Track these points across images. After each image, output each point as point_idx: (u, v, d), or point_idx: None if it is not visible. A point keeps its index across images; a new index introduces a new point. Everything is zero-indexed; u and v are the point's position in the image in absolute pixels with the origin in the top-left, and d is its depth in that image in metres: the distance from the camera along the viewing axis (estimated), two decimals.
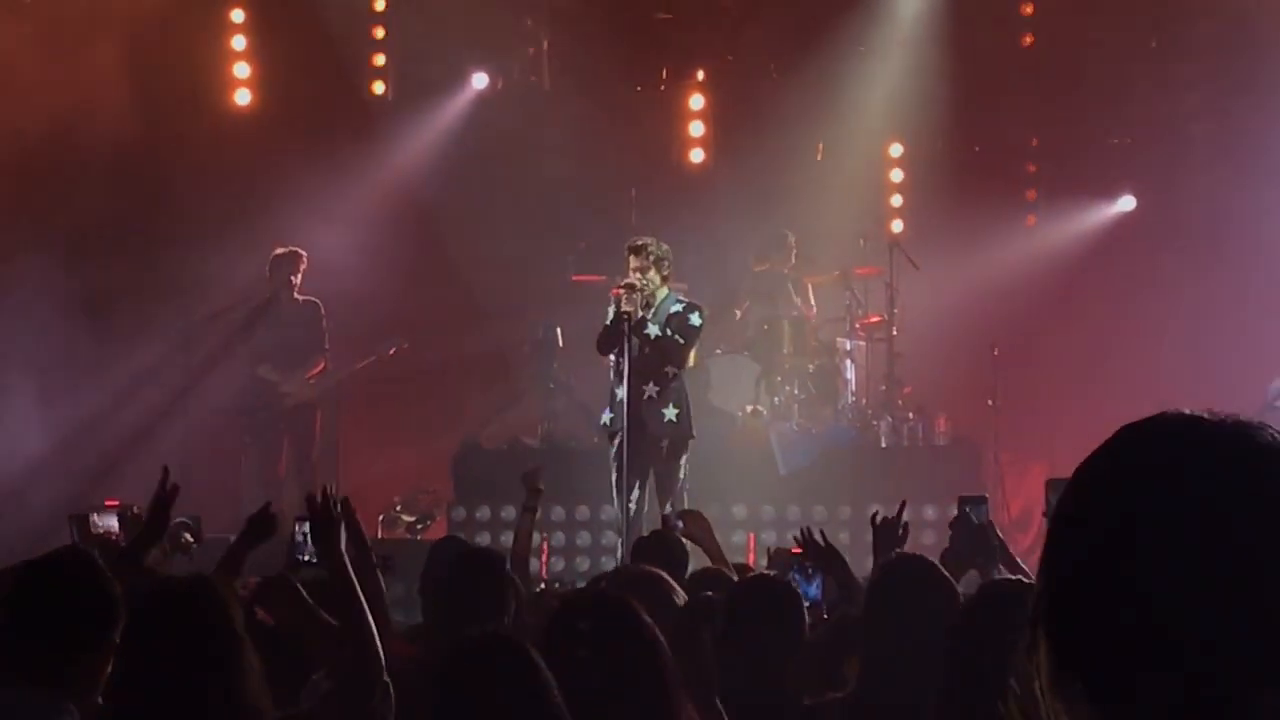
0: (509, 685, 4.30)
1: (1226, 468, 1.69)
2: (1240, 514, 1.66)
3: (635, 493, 12.62)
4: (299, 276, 15.54)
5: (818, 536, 7.27)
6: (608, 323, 12.78)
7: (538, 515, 9.78)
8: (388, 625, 6.60)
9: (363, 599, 4.94)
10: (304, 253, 15.62)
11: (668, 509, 12.00)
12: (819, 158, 18.55)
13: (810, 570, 7.22)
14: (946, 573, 5.62)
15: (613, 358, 12.80)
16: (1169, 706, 1.64)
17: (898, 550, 6.70)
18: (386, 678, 4.90)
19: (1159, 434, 1.74)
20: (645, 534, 9.26)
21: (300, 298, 15.59)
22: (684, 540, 8.45)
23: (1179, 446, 1.72)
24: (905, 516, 7.34)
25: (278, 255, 15.54)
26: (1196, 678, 1.64)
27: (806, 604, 6.82)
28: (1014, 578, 5.36)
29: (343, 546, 5.13)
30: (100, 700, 4.48)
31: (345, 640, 4.88)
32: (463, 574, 7.00)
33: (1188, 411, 1.75)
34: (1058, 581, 1.73)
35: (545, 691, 4.30)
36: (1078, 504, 1.75)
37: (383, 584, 6.62)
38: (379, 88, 18.31)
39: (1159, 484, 1.69)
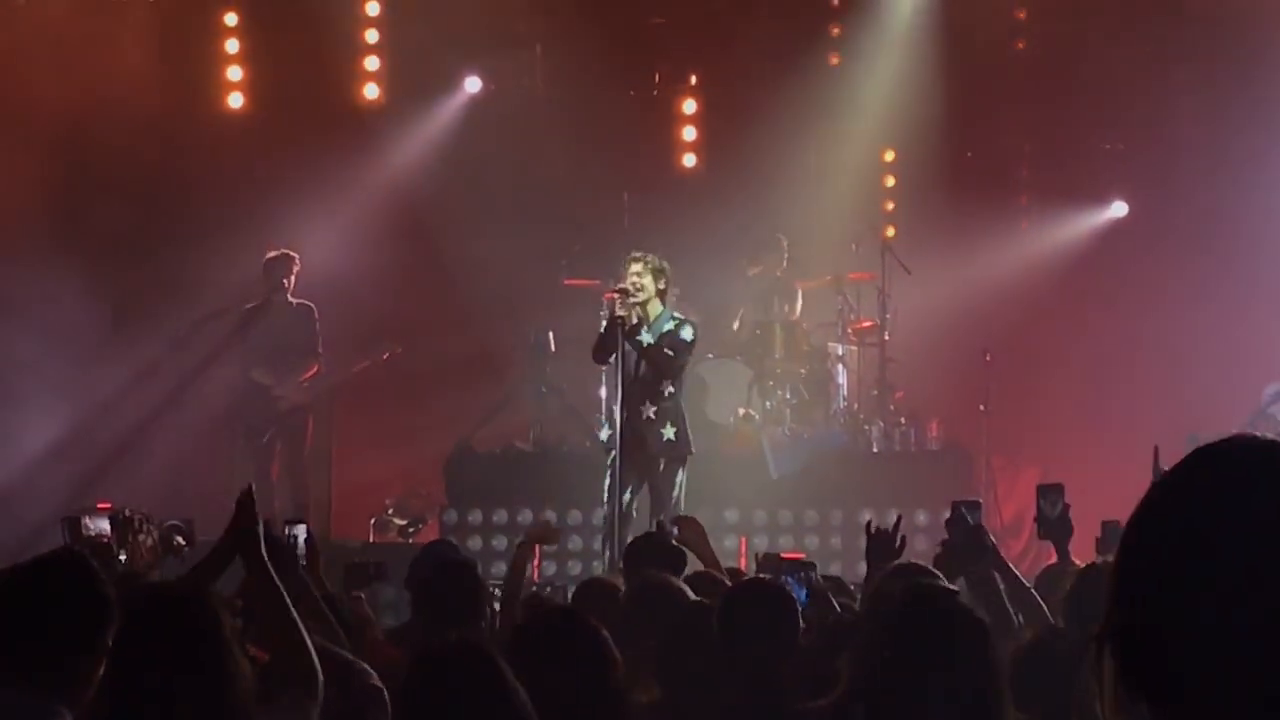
0: (474, 692, 4.31)
1: None
2: None
3: (627, 497, 12.65)
4: (292, 279, 15.55)
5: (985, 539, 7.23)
6: (602, 330, 12.82)
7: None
8: (369, 633, 6.61)
9: (288, 604, 4.90)
10: (296, 256, 15.62)
11: (661, 517, 12.02)
12: (812, 162, 18.54)
13: (802, 573, 7.22)
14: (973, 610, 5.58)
15: (610, 371, 12.85)
16: None
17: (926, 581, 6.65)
18: (377, 681, 4.91)
19: (1234, 458, 1.72)
20: (639, 536, 9.25)
21: (293, 301, 15.59)
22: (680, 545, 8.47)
23: (1255, 471, 1.69)
24: (900, 527, 7.33)
25: (271, 258, 15.54)
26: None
27: (800, 607, 6.84)
28: (936, 582, 5.31)
29: (264, 553, 5.09)
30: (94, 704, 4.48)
31: (282, 650, 4.85)
32: (439, 582, 7.05)
33: (1260, 435, 1.73)
34: (1131, 605, 1.70)
35: (511, 698, 4.31)
36: (1152, 527, 1.72)
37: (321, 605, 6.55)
38: (372, 91, 18.31)
39: (1234, 512, 1.67)
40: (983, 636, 4.50)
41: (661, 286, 12.88)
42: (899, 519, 7.37)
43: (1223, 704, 1.63)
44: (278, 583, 4.96)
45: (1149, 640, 1.67)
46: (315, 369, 15.73)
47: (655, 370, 12.77)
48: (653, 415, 12.80)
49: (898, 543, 7.16)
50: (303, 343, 15.64)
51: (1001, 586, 6.60)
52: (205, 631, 4.38)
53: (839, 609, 7.02)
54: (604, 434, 13.20)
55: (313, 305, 15.66)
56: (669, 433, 12.86)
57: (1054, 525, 7.41)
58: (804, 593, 7.09)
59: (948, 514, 7.36)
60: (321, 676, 4.73)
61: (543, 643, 4.97)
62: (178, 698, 4.30)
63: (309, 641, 4.80)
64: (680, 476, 12.95)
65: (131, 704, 4.33)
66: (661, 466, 12.86)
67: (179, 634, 4.38)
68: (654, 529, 10.04)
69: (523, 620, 5.37)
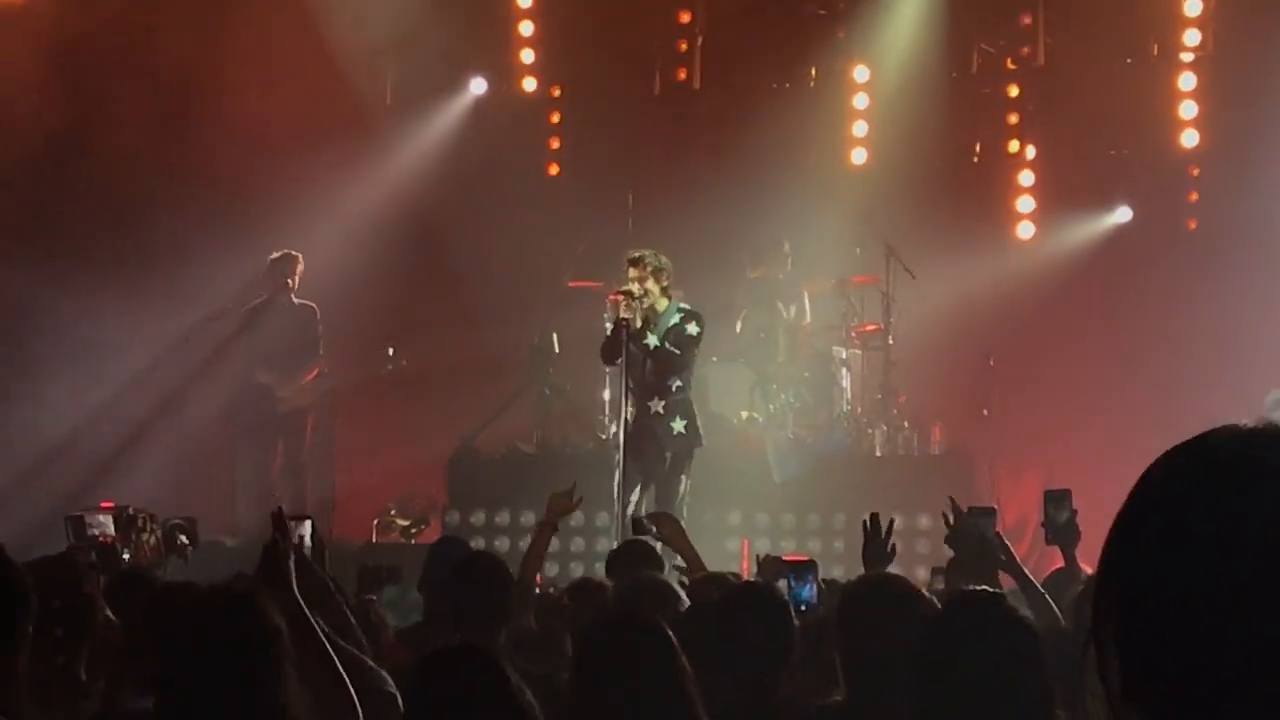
0: (479, 696, 4.31)
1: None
2: None
3: (634, 496, 12.66)
4: (296, 280, 15.57)
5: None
6: (609, 333, 12.85)
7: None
8: (383, 636, 6.61)
9: (322, 637, 4.88)
10: (300, 255, 15.63)
11: (641, 511, 12.03)
12: (815, 165, 18.54)
13: (803, 573, 7.22)
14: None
15: (610, 370, 12.88)
16: None
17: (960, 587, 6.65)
18: (391, 687, 4.90)
19: (1217, 451, 1.71)
20: (620, 544, 9.28)
21: (296, 301, 15.61)
22: (657, 545, 8.51)
23: (1239, 464, 1.68)
24: (894, 531, 7.35)
25: (275, 258, 15.56)
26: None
27: (801, 607, 6.84)
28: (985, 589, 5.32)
29: (293, 580, 5.05)
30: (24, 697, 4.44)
31: (311, 686, 4.84)
32: (469, 579, 7.02)
33: (1240, 425, 1.72)
34: (1122, 607, 1.70)
35: (516, 701, 4.31)
36: (1137, 526, 1.71)
37: (348, 614, 6.57)
38: (378, 92, 18.31)
39: (1217, 506, 1.66)
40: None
41: (665, 284, 12.89)
42: (891, 522, 7.38)
43: (1209, 704, 1.63)
44: (309, 617, 4.94)
45: (1134, 641, 1.67)
46: (317, 370, 15.75)
47: (663, 367, 12.78)
48: (661, 410, 12.83)
49: (889, 546, 7.19)
50: (304, 344, 15.66)
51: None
52: (263, 637, 4.36)
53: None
54: (611, 430, 13.21)
55: (315, 306, 15.68)
56: (679, 425, 12.88)
57: (1061, 530, 7.41)
58: (810, 590, 7.09)
59: (952, 518, 7.37)
60: (355, 703, 4.73)
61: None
62: (236, 703, 4.29)
63: (342, 673, 4.79)
64: (687, 473, 12.96)
65: (190, 708, 4.33)
66: (669, 461, 12.86)
67: (238, 638, 4.36)
68: (633, 526, 10.04)
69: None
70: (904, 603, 5.35)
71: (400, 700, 4.88)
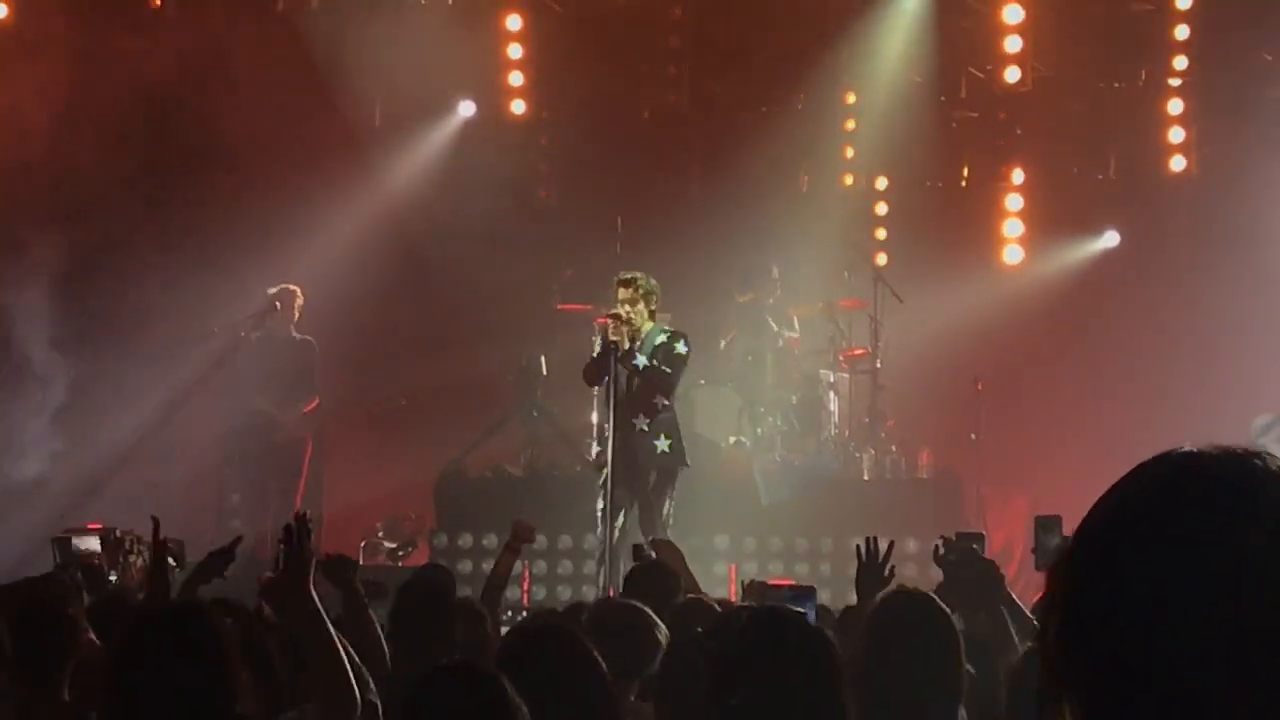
0: (479, 713, 4.32)
1: (1241, 503, 1.66)
2: (1261, 553, 1.63)
3: (620, 520, 12.63)
4: (296, 313, 15.64)
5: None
6: (595, 354, 12.82)
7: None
8: (382, 658, 6.61)
9: (334, 637, 4.96)
10: (299, 290, 15.68)
11: (642, 541, 12.02)
12: (804, 190, 18.61)
13: (801, 599, 7.20)
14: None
15: (597, 391, 12.84)
16: None
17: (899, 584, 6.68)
18: (375, 698, 4.94)
19: (1169, 474, 1.71)
20: (635, 565, 9.24)
21: (297, 336, 15.70)
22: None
23: (1191, 485, 1.68)
24: (890, 556, 7.32)
25: (274, 292, 15.60)
26: None
27: None
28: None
29: (311, 584, 5.13)
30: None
31: (319, 679, 4.92)
32: (407, 604, 7.06)
33: (1190, 448, 1.72)
34: (1075, 642, 1.70)
35: (511, 716, 4.32)
36: (1091, 554, 1.71)
37: (374, 618, 6.62)
38: (366, 115, 18.31)
39: (1169, 527, 1.66)
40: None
41: (653, 307, 12.90)
42: (890, 545, 7.35)
43: None
44: (325, 619, 4.98)
45: (1090, 663, 1.67)
46: (315, 402, 15.82)
47: (650, 386, 12.77)
48: (645, 427, 12.79)
49: (887, 571, 7.15)
50: (303, 376, 15.74)
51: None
52: (205, 647, 4.42)
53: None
54: (594, 450, 13.19)
55: (313, 341, 15.75)
56: (663, 444, 12.85)
57: (1051, 556, 7.39)
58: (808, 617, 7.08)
59: (939, 543, 7.36)
60: (359, 704, 4.79)
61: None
62: (180, 713, 4.34)
63: (350, 676, 4.86)
64: (671, 492, 12.92)
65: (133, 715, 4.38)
66: (652, 480, 12.82)
67: (180, 651, 4.43)
68: (633, 554, 10.02)
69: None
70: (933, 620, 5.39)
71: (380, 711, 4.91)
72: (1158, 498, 1.70)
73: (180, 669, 4.40)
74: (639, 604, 6.93)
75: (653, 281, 12.93)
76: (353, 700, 4.83)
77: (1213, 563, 1.63)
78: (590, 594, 12.71)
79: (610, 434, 12.54)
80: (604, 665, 5.03)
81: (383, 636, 6.80)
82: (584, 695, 4.94)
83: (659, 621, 6.78)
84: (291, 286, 15.72)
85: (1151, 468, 1.73)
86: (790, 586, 7.50)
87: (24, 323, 15.94)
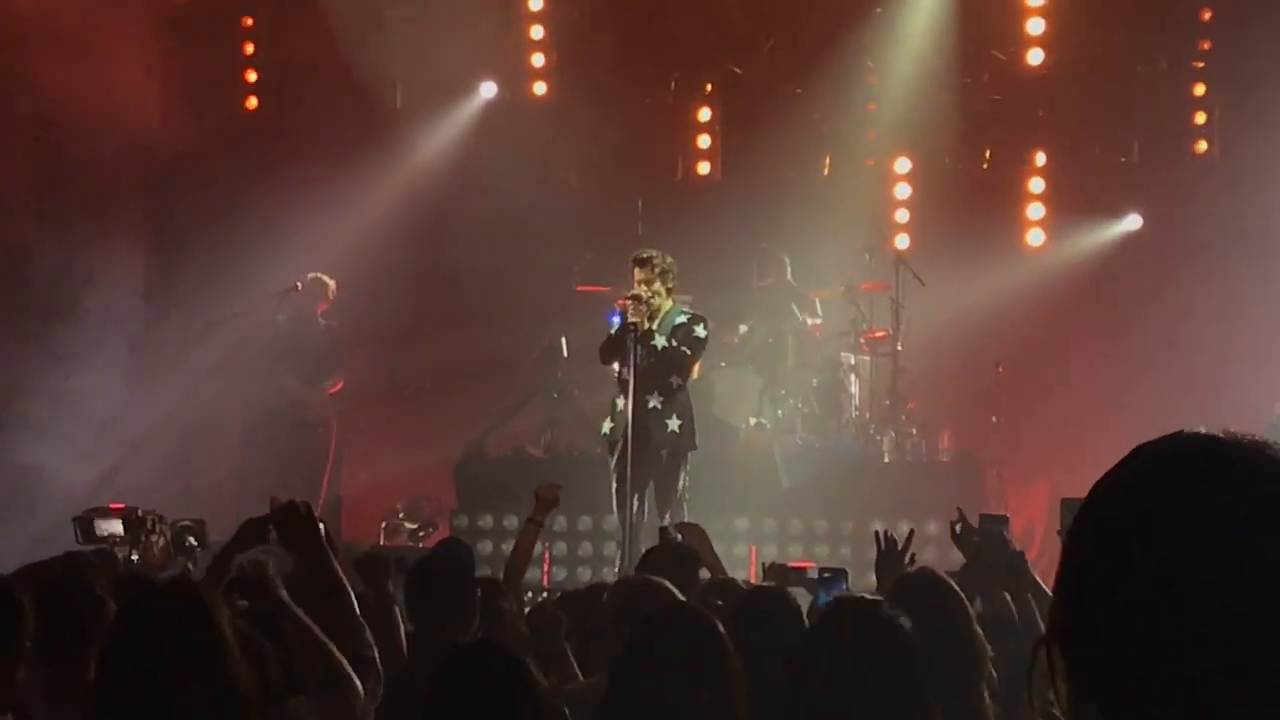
0: (499, 691, 4.32)
1: (1244, 487, 1.68)
2: (1258, 536, 1.65)
3: (636, 503, 12.62)
4: (328, 304, 15.79)
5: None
6: (612, 333, 12.81)
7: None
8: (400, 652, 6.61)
9: (349, 590, 4.97)
10: (332, 282, 15.84)
11: (666, 520, 12.01)
12: (825, 172, 18.58)
13: (832, 583, 7.20)
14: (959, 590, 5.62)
15: (616, 368, 12.81)
16: None
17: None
18: (379, 666, 4.95)
19: (1175, 454, 1.73)
20: (655, 545, 9.23)
21: (324, 323, 15.85)
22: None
23: (1195, 467, 1.70)
24: (910, 544, 7.32)
25: (309, 280, 15.72)
26: (1217, 710, 1.63)
27: None
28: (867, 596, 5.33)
29: (324, 542, 5.13)
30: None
31: (339, 631, 4.92)
32: (423, 580, 7.04)
33: (1204, 431, 1.74)
34: (1074, 605, 1.72)
35: (538, 697, 4.33)
36: (1092, 526, 1.73)
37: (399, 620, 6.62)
38: (389, 96, 18.32)
39: (1174, 506, 1.68)
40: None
41: (670, 285, 12.87)
42: (911, 532, 7.35)
43: (1168, 704, 1.64)
44: (339, 573, 5.00)
45: (1095, 640, 1.68)
46: (340, 384, 15.95)
47: (666, 365, 12.74)
48: (659, 405, 12.75)
49: (908, 557, 7.15)
50: (330, 362, 15.88)
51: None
52: (199, 626, 4.43)
53: None
54: (605, 426, 13.13)
55: (340, 327, 15.89)
56: (674, 424, 12.81)
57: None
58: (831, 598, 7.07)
59: (959, 525, 7.35)
60: (380, 670, 4.80)
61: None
62: (174, 694, 4.35)
63: (368, 637, 4.87)
64: (683, 472, 12.90)
65: (130, 701, 4.38)
66: (665, 459, 12.81)
67: (171, 630, 4.43)
68: (659, 536, 10.01)
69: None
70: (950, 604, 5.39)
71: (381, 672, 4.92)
72: (1161, 477, 1.71)
73: (169, 650, 4.40)
74: (660, 580, 6.94)
75: (669, 259, 12.89)
76: (374, 663, 4.83)
77: (1213, 546, 1.65)
78: (611, 576, 12.71)
79: (630, 417, 12.53)
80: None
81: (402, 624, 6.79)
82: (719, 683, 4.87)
83: (681, 598, 6.79)
84: (325, 277, 15.84)
85: (1156, 448, 1.74)
86: (822, 569, 7.47)
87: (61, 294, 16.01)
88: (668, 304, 12.85)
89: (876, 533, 7.35)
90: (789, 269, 16.92)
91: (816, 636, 4.73)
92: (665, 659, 4.76)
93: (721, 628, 4.93)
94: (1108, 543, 1.70)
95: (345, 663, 4.81)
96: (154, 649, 4.41)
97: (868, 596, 5.10)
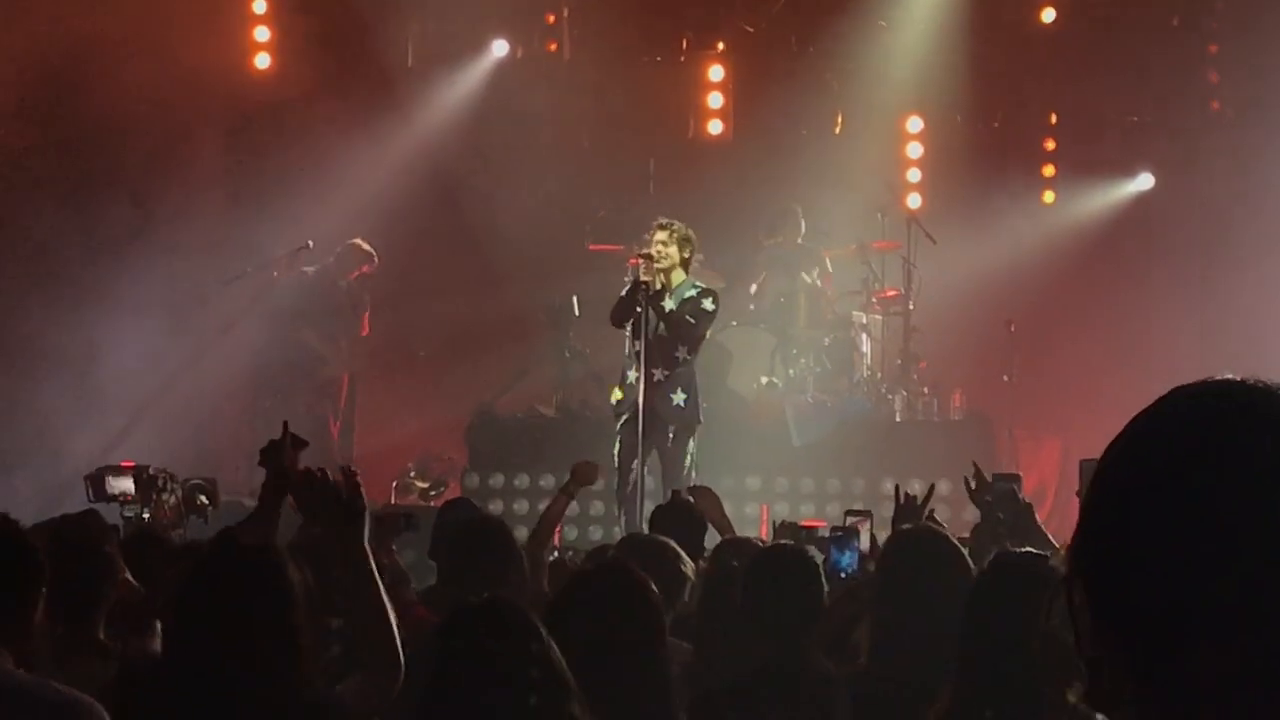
0: (508, 648, 4.32)
1: (1271, 431, 1.68)
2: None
3: (634, 469, 12.60)
4: (359, 271, 16.01)
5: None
6: (624, 293, 12.78)
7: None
8: (405, 593, 6.61)
9: (384, 597, 4.87)
10: (375, 254, 16.05)
11: (677, 487, 12.00)
12: (837, 130, 18.55)
13: (844, 540, 7.20)
14: (962, 547, 5.62)
15: (629, 338, 12.78)
16: (1218, 678, 1.64)
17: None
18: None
19: (1215, 395, 1.74)
20: (658, 506, 9.24)
21: (344, 283, 16.01)
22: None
23: (1226, 410, 1.71)
24: (930, 499, 7.31)
25: (353, 246, 15.85)
26: (1249, 650, 1.63)
27: (842, 574, 6.83)
28: (1028, 550, 5.34)
29: (366, 539, 4.95)
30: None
31: (369, 635, 4.84)
32: (467, 542, 7.03)
33: (1235, 377, 1.75)
34: (1111, 539, 1.72)
35: (545, 654, 4.32)
36: (1132, 462, 1.74)
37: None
38: (400, 54, 18.28)
39: (1205, 448, 1.69)
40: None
41: (686, 255, 12.83)
42: (931, 488, 7.35)
43: (1189, 640, 1.65)
44: (375, 571, 4.90)
45: (1116, 576, 1.69)
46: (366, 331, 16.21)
47: (673, 335, 12.71)
48: (663, 378, 12.71)
49: (925, 514, 7.15)
50: (354, 322, 16.12)
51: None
52: (280, 590, 4.42)
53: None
54: (614, 397, 13.14)
55: (367, 294, 16.01)
56: (678, 398, 12.78)
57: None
58: (850, 557, 7.07)
59: (973, 483, 7.34)
60: (401, 658, 4.77)
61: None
62: (249, 655, 4.35)
63: (394, 629, 4.81)
64: (690, 446, 12.88)
65: (203, 660, 4.38)
66: (671, 435, 12.78)
67: (255, 591, 4.42)
68: (670, 499, 10.01)
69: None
70: (946, 560, 5.40)
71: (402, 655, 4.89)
72: (1188, 425, 1.73)
73: (255, 609, 4.40)
74: (665, 539, 6.95)
75: (691, 232, 12.86)
76: (397, 659, 4.79)
77: (1239, 493, 1.66)
78: (619, 535, 12.72)
79: (641, 376, 12.51)
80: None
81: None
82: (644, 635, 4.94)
83: (685, 556, 6.80)
84: (366, 248, 15.95)
85: (1182, 395, 1.76)
86: (834, 528, 7.46)
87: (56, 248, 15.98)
88: (680, 274, 12.81)
89: (896, 487, 7.35)
90: (803, 231, 16.89)
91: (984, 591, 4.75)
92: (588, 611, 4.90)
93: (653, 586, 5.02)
94: (1149, 478, 1.71)
95: (399, 644, 4.78)
96: (230, 603, 4.41)
97: (1033, 551, 5.13)
